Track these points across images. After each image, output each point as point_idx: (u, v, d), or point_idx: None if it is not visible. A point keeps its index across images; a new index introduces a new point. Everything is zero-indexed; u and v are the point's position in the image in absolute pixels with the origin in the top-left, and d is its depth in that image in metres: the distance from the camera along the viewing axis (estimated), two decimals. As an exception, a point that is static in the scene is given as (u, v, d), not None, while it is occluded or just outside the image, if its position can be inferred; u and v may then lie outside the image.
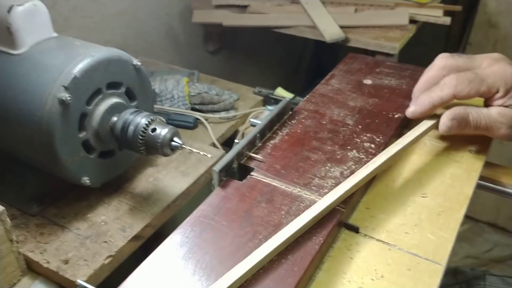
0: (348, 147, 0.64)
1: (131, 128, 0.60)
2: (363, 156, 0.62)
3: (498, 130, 0.61)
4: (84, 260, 0.59)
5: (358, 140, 0.65)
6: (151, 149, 0.60)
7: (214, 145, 0.84)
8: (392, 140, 0.66)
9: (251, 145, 0.62)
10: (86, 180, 0.63)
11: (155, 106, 0.90)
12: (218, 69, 1.56)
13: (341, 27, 1.15)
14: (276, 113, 0.66)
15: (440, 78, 0.61)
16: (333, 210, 0.53)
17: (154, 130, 0.60)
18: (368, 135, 0.66)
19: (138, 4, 1.19)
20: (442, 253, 0.52)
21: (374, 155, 0.62)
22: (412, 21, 1.20)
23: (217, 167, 0.55)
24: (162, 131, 0.60)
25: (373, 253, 0.52)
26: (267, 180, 0.57)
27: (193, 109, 0.91)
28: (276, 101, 0.96)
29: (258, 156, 0.61)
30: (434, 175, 0.63)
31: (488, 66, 0.62)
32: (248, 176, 0.58)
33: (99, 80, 0.61)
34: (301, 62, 1.95)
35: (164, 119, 0.62)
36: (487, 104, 0.63)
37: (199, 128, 0.89)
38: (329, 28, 1.13)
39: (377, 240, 0.53)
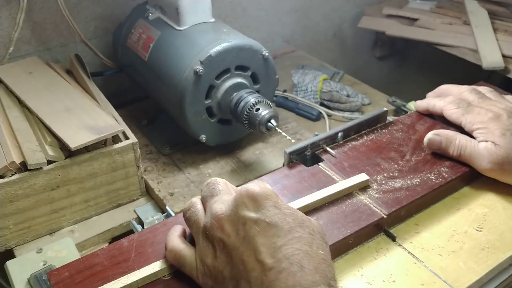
0: (423, 166, 0.66)
1: (242, 104, 0.73)
2: (433, 177, 0.64)
3: (480, 162, 0.64)
4: (184, 197, 0.75)
5: (437, 162, 0.67)
6: (252, 124, 0.73)
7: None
8: (475, 171, 0.66)
9: (330, 140, 0.70)
10: (203, 137, 0.78)
11: (289, 94, 1.02)
12: (383, 75, 1.60)
13: (506, 56, 1.10)
14: (366, 119, 0.72)
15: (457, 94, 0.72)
16: (373, 213, 0.58)
17: (258, 109, 0.72)
18: (449, 161, 0.67)
19: (312, 5, 1.31)
20: (463, 282, 0.53)
21: (445, 178, 0.64)
22: None
23: (288, 150, 0.65)
24: (263, 112, 0.71)
25: (398, 261, 0.56)
26: (330, 172, 0.65)
27: (322, 104, 1.01)
28: (406, 113, 0.99)
29: (331, 151, 0.68)
30: (501, 214, 0.62)
31: (482, 108, 0.67)
32: (316, 165, 0.66)
33: (230, 61, 0.75)
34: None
35: (270, 103, 0.74)
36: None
37: (321, 121, 0.98)
38: (489, 55, 1.09)
39: (408, 252, 0.57)
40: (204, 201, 0.49)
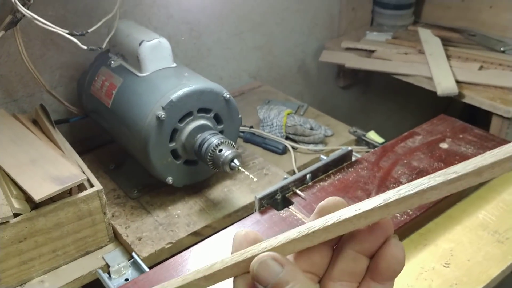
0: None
1: (205, 145, 0.76)
2: (398, 215, 0.67)
3: None
4: (152, 241, 0.76)
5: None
6: (216, 165, 0.75)
7: (293, 171, 0.96)
8: (439, 206, 0.69)
9: (299, 182, 0.72)
10: (170, 179, 0.80)
11: (256, 129, 1.05)
12: (347, 103, 1.65)
13: (460, 82, 1.15)
14: (332, 159, 0.75)
15: None
16: None
17: (221, 150, 0.74)
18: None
19: (276, 42, 1.36)
20: None
21: (410, 216, 0.66)
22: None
23: (259, 195, 0.67)
24: (226, 152, 0.74)
25: None
26: (300, 215, 0.67)
27: (287, 137, 1.04)
28: (367, 143, 1.03)
29: (301, 193, 0.70)
30: (469, 248, 0.64)
31: None
32: (286, 208, 0.68)
33: (191, 105, 0.78)
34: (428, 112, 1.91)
35: (233, 144, 0.76)
36: None
37: (287, 154, 1.00)
38: (444, 82, 1.15)
39: None
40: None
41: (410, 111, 1.71)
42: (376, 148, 0.82)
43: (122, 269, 0.67)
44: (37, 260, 0.70)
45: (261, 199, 0.68)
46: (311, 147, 1.01)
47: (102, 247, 0.76)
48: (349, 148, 0.78)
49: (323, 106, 1.24)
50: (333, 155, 0.76)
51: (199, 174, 0.85)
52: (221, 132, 0.82)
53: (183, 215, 0.81)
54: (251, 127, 1.07)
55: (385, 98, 1.70)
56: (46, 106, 0.87)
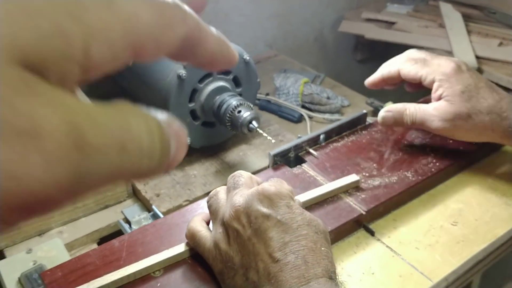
0: (400, 165, 0.70)
1: (224, 106, 0.76)
2: (410, 175, 0.67)
3: (431, 123, 0.66)
4: (169, 198, 0.77)
5: (414, 161, 0.70)
6: (234, 126, 0.75)
7: (307, 139, 0.96)
8: (450, 169, 0.69)
9: (312, 142, 0.73)
10: (188, 140, 0.81)
11: (272, 97, 1.05)
12: (364, 77, 1.64)
13: (479, 57, 1.14)
14: (347, 121, 0.76)
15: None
16: (353, 210, 0.61)
17: (239, 112, 0.75)
18: (425, 160, 0.70)
19: (293, 11, 1.35)
20: (438, 273, 0.56)
21: (421, 175, 0.67)
22: None
23: (273, 152, 0.68)
24: (245, 114, 0.74)
25: (376, 254, 0.59)
26: (312, 173, 0.68)
27: (303, 106, 1.04)
28: (383, 115, 1.02)
29: (314, 152, 0.71)
30: (477, 209, 0.65)
31: (440, 60, 0.67)
32: (299, 165, 0.69)
33: (212, 65, 0.78)
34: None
35: (251, 105, 0.77)
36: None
37: (302, 123, 1.01)
38: (463, 56, 1.14)
39: (386, 246, 0.60)
40: (227, 191, 0.54)
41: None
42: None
43: (143, 220, 0.69)
44: (57, 212, 0.72)
45: (274, 156, 0.68)
46: (327, 116, 1.02)
47: (121, 202, 0.77)
48: (364, 111, 0.78)
49: (339, 79, 1.24)
50: (348, 117, 0.77)
51: (216, 136, 0.86)
52: (240, 95, 0.82)
53: (200, 175, 0.82)
54: (267, 94, 1.07)
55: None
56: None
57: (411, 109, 0.68)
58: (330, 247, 0.49)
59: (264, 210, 0.47)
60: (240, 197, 0.50)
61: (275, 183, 0.51)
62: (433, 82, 0.66)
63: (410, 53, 0.71)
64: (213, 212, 0.53)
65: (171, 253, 0.54)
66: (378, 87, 0.74)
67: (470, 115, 0.63)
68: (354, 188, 0.64)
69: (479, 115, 0.63)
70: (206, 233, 0.53)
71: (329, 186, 0.63)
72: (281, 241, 0.46)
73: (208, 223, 0.57)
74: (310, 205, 0.61)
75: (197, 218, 0.57)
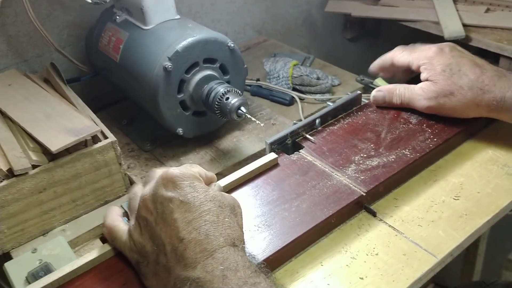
0: (397, 143, 0.70)
1: (212, 94, 0.77)
2: (408, 153, 0.67)
3: (418, 101, 0.70)
4: (166, 188, 0.79)
5: (411, 138, 0.70)
6: (223, 113, 0.76)
7: (300, 120, 0.97)
8: (449, 143, 0.70)
9: (308, 127, 0.73)
10: (180, 130, 0.82)
11: (263, 82, 1.06)
12: (355, 55, 1.64)
13: (467, 25, 1.14)
14: (341, 103, 0.76)
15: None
16: (353, 192, 0.62)
17: (227, 98, 0.76)
18: (422, 136, 0.70)
19: (279, -7, 1.35)
20: (443, 248, 0.55)
21: (419, 152, 0.67)
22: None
23: (269, 140, 0.69)
24: (233, 100, 0.75)
25: (379, 235, 0.58)
26: (310, 158, 0.69)
27: (294, 88, 1.05)
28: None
29: (311, 137, 0.72)
30: (478, 182, 0.65)
31: (425, 46, 0.74)
32: (296, 152, 0.70)
33: (197, 55, 0.79)
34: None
35: (240, 92, 0.77)
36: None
37: (294, 105, 1.02)
38: (451, 25, 1.14)
39: (389, 226, 0.59)
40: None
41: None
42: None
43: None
44: (58, 210, 0.73)
45: (271, 143, 0.69)
46: (318, 96, 1.02)
47: (120, 196, 0.79)
48: (358, 92, 0.79)
49: (330, 59, 1.24)
50: (342, 99, 0.77)
51: (208, 125, 0.87)
52: (228, 82, 0.83)
53: (195, 164, 0.84)
54: (258, 79, 1.08)
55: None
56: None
57: (401, 89, 0.72)
58: (237, 218, 0.51)
59: (168, 193, 0.49)
60: (147, 188, 0.52)
61: (182, 167, 0.53)
62: (419, 67, 0.71)
63: (404, 45, 0.79)
64: (131, 209, 0.56)
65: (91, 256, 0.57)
66: (377, 73, 0.84)
67: (452, 91, 0.66)
68: (353, 169, 0.65)
69: (461, 90, 0.66)
70: (122, 227, 0.55)
71: (247, 168, 0.66)
72: (185, 220, 0.48)
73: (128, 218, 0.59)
74: (306, 189, 0.62)
75: (112, 213, 0.59)
